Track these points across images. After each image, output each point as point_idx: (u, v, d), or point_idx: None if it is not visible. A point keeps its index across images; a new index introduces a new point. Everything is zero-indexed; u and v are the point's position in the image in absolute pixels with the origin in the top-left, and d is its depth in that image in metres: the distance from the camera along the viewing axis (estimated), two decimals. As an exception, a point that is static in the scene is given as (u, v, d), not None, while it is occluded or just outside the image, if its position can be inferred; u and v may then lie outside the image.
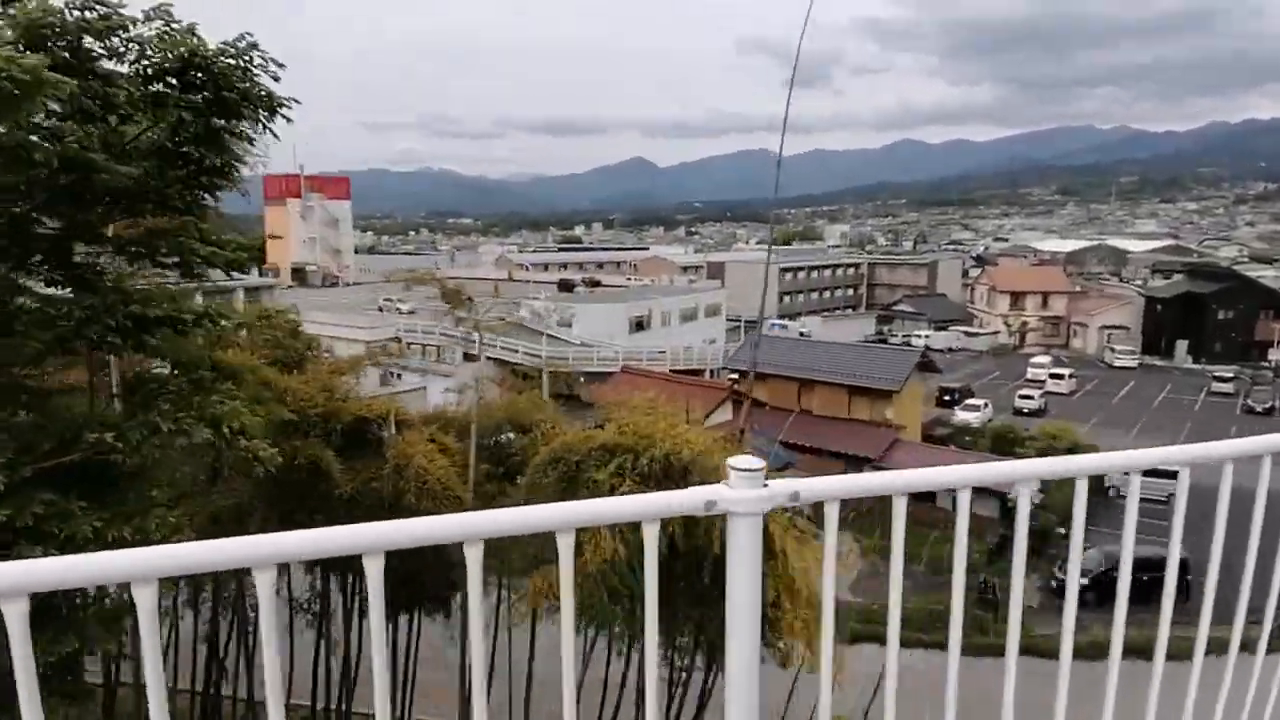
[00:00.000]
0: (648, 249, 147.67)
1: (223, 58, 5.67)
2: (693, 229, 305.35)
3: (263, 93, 6.13)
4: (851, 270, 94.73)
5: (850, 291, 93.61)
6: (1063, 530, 28.09)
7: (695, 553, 7.30)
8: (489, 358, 44.68)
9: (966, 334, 70.83)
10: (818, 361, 34.82)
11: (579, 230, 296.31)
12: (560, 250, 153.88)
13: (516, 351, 44.14)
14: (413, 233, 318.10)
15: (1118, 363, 60.20)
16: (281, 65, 6.35)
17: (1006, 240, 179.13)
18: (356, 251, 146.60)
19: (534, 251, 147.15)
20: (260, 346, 13.02)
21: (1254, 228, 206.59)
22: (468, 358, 44.67)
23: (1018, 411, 45.88)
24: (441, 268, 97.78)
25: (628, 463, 7.80)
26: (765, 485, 1.56)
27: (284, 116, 6.49)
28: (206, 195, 6.45)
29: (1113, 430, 42.29)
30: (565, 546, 1.45)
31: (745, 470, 1.54)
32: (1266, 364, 56.92)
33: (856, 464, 31.12)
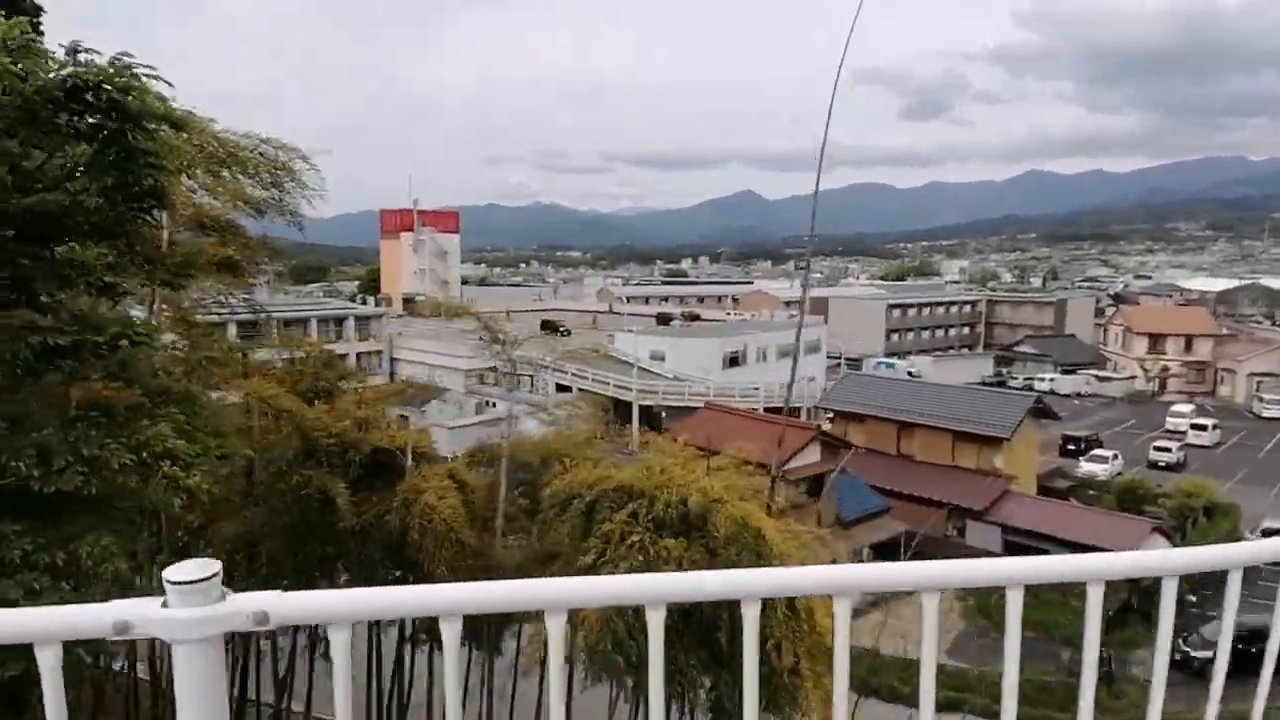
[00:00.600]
0: (752, 283, 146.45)
1: (106, 80, 5.66)
2: (802, 263, 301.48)
3: (159, 110, 6.12)
4: (968, 308, 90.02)
5: (967, 330, 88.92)
6: (1193, 598, 24.95)
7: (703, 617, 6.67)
8: (581, 389, 45.17)
9: (1098, 378, 65.55)
10: (920, 404, 32.94)
11: (685, 264, 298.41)
12: (663, 283, 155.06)
13: (608, 384, 44.30)
14: (523, 265, 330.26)
15: (1267, 413, 53.93)
16: (170, 84, 6.38)
17: (1149, 278, 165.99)
18: (468, 283, 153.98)
19: (636, 284, 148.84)
20: (293, 377, 13.32)
21: None
22: (560, 389, 45.28)
23: (1153, 465, 41.85)
24: (544, 299, 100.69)
25: (642, 508, 7.29)
26: (223, 598, 1.22)
27: (178, 127, 6.49)
28: (138, 216, 6.55)
29: (1257, 487, 37.73)
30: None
31: (184, 583, 1.19)
32: None
33: (961, 514, 29.10)
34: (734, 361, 52.03)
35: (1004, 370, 73.43)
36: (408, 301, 74.72)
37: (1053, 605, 23.31)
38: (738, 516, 7.28)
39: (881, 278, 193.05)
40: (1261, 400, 56.02)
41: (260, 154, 11.21)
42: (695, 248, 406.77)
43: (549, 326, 62.32)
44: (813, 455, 25.22)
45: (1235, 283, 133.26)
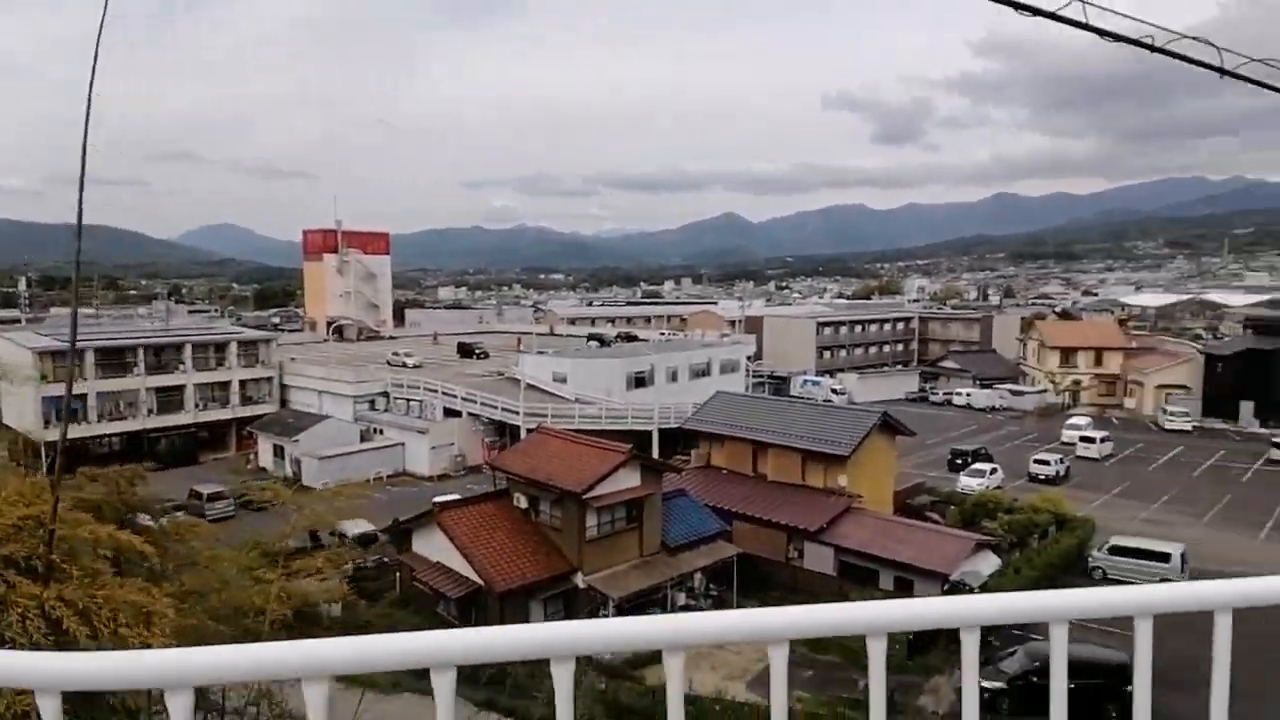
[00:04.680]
0: (716, 303, 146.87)
1: None
2: (783, 283, 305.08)
3: None
4: (901, 325, 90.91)
5: (900, 347, 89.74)
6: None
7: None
8: (470, 413, 45.01)
9: (1011, 392, 66.28)
10: (773, 422, 33.04)
11: (668, 285, 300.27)
12: (628, 304, 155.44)
13: (496, 408, 44.19)
14: (505, 288, 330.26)
15: (1170, 425, 54.65)
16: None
17: (1096, 295, 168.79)
18: (435, 307, 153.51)
19: (599, 305, 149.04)
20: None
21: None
22: (449, 413, 45.09)
23: (1032, 478, 42.16)
24: (488, 322, 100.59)
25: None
26: None
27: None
28: None
29: (1130, 502, 38.06)
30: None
31: None
32: (1351, 430, 50.18)
33: (798, 536, 29.06)
34: (640, 382, 52.07)
35: (927, 385, 74.14)
36: (333, 326, 74.33)
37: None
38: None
39: (851, 296, 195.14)
40: (1165, 413, 56.83)
41: None
42: (678, 269, 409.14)
43: (466, 350, 62.18)
44: (630, 479, 25.14)
45: (1176, 298, 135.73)
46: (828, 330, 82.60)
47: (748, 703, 21.96)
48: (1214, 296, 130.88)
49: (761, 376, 71.90)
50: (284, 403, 50.65)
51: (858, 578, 27.15)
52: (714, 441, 34.52)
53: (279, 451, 44.50)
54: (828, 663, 23.19)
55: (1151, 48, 3.29)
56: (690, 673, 24.48)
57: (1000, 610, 1.50)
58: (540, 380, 49.12)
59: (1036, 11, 3.01)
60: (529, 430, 42.90)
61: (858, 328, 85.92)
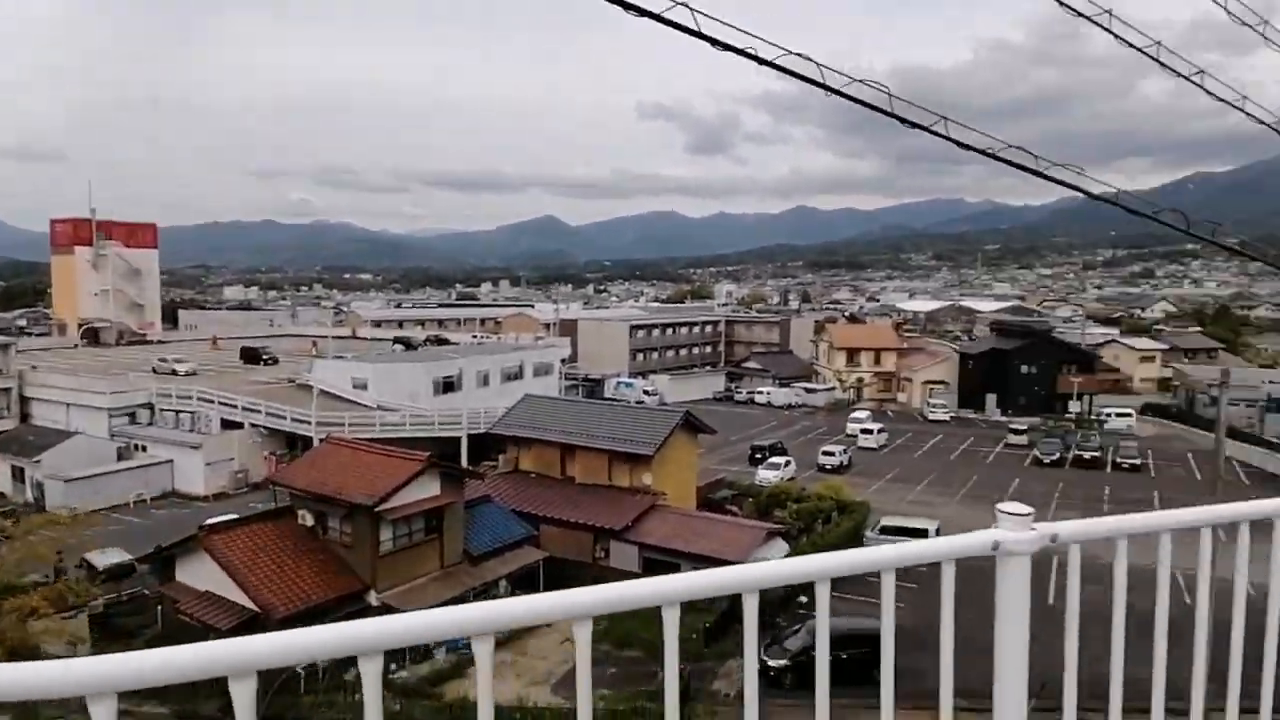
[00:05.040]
0: (533, 306, 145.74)
1: None
2: (602, 287, 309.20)
3: None
4: (710, 328, 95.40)
5: (710, 349, 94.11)
6: (804, 599, 26.61)
7: None
8: (253, 425, 41.18)
9: (806, 390, 71.62)
10: (580, 425, 33.18)
11: (485, 288, 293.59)
12: (439, 306, 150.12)
13: (284, 418, 40.74)
14: (304, 288, 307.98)
15: (932, 416, 61.83)
16: None
17: (878, 301, 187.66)
18: (216, 308, 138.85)
19: (410, 307, 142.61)
20: None
21: (1100, 289, 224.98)
22: (228, 425, 40.95)
23: (821, 468, 45.63)
24: (280, 324, 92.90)
25: None
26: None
27: None
28: None
29: (900, 485, 42.41)
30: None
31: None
32: (1068, 415, 59.41)
33: (604, 536, 29.35)
34: (449, 387, 50.33)
35: (733, 385, 78.38)
36: (85, 329, 64.89)
37: (655, 620, 23.88)
38: None
39: (666, 300, 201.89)
40: (929, 405, 64.12)
41: None
42: (496, 271, 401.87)
43: (251, 355, 56.89)
44: (429, 488, 24.07)
45: (940, 304, 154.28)
46: (641, 333, 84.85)
47: (550, 706, 21.84)
48: (969, 303, 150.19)
49: (576, 379, 72.34)
50: (25, 417, 43.42)
51: (661, 572, 27.69)
52: (522, 445, 34.07)
53: (18, 474, 38.34)
54: (629, 659, 23.58)
55: (759, 60, 3.43)
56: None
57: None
58: (337, 387, 46.00)
59: (643, 12, 3.01)
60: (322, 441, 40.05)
61: (669, 331, 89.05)
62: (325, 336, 64.85)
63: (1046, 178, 4.48)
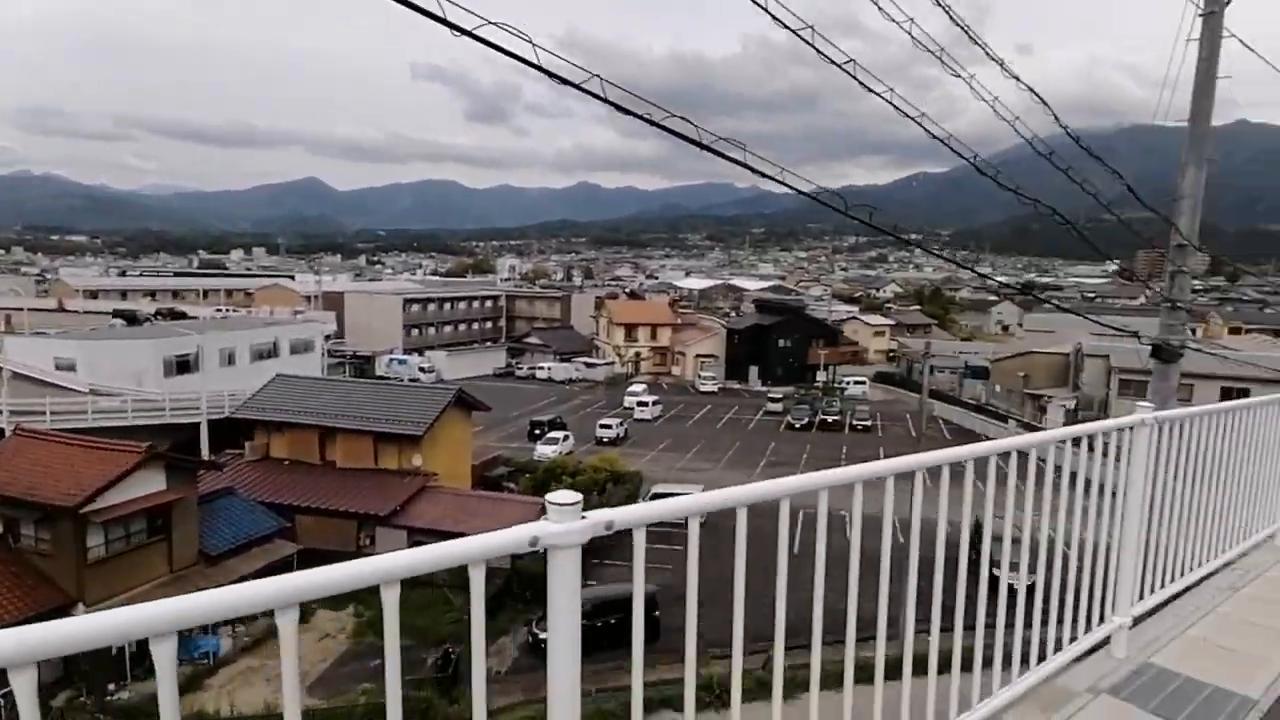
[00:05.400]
0: (293, 277, 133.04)
1: None
2: (375, 258, 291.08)
3: None
4: (490, 303, 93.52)
5: (490, 324, 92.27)
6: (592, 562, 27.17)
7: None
8: (-85, 413, 33.47)
9: (587, 365, 72.81)
10: (341, 406, 30.85)
11: (235, 255, 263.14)
12: (175, 275, 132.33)
13: (-41, 404, 33.54)
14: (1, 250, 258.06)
15: (703, 388, 65.88)
16: None
17: (657, 278, 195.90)
18: None
19: (119, 275, 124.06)
20: None
21: (846, 271, 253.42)
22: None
23: (599, 441, 46.62)
24: (-39, 294, 76.62)
25: None
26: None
27: None
28: None
29: (672, 454, 44.62)
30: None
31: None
32: (816, 384, 66.14)
33: (370, 522, 27.62)
34: (184, 367, 44.47)
35: (514, 361, 77.71)
36: None
37: (430, 608, 23.03)
38: None
39: (446, 273, 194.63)
40: (700, 377, 68.11)
41: None
42: (249, 237, 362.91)
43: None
44: (151, 483, 20.98)
45: (713, 282, 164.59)
46: (415, 308, 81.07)
47: (307, 709, 20.23)
48: (738, 282, 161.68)
49: (344, 356, 67.55)
50: None
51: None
52: (273, 430, 31.02)
53: None
54: (400, 647, 22.52)
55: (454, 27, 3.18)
56: (240, 690, 21.67)
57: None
58: (37, 369, 38.84)
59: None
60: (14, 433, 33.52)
61: (447, 305, 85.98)
62: (21, 309, 54.42)
63: (704, 147, 4.52)
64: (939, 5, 5.81)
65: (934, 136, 6.10)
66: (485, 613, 1.70)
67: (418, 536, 27.51)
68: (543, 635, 22.04)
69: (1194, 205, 8.59)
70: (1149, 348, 8.78)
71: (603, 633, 18.70)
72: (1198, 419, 4.04)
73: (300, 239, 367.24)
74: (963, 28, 6.28)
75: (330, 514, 27.73)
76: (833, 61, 5.19)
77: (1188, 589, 4.25)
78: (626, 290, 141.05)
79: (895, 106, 5.62)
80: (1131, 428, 3.55)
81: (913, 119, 5.77)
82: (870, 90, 5.45)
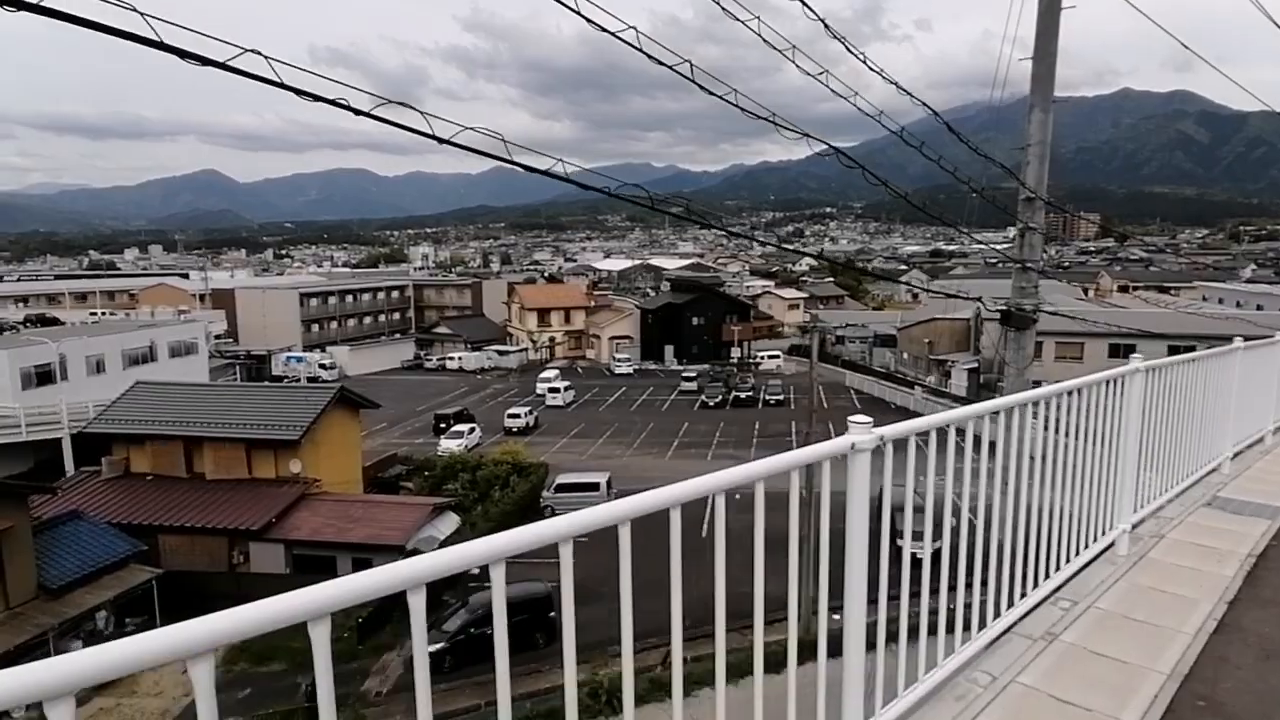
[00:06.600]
0: (186, 275, 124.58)
1: None
2: (283, 251, 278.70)
3: None
4: (396, 293, 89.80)
5: (397, 315, 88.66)
6: (476, 570, 25.62)
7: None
8: None
9: (499, 353, 70.69)
10: (209, 412, 28.29)
11: (130, 254, 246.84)
12: (56, 278, 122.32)
13: None
14: None
15: (618, 370, 64.79)
16: None
17: (576, 261, 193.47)
18: None
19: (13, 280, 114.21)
20: None
21: (764, 248, 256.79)
22: None
23: (508, 431, 44.95)
24: None
25: None
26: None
27: None
28: None
29: (583, 441, 43.33)
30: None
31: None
32: (731, 360, 65.94)
33: (242, 538, 25.36)
34: (45, 378, 40.48)
35: (423, 352, 74.81)
36: None
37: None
38: None
39: (358, 265, 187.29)
40: (615, 359, 66.94)
41: None
42: (145, 235, 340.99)
43: None
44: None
45: (632, 263, 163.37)
46: (315, 302, 76.99)
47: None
48: (657, 261, 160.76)
49: (235, 357, 63.43)
50: None
51: (315, 569, 24.86)
52: (133, 443, 28.19)
53: None
54: (269, 674, 20.65)
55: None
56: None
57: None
58: None
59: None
60: None
61: (349, 298, 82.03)
62: None
63: (375, 117, 4.07)
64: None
65: (865, 114, 6.55)
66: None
67: (298, 550, 25.48)
68: (430, 646, 20.90)
69: (1042, 152, 7.75)
70: (997, 315, 7.94)
71: (482, 642, 17.43)
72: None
73: (201, 234, 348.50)
74: (825, 25, 6.35)
75: (198, 531, 25.35)
76: (774, 48, 5.55)
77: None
78: (545, 274, 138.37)
79: (832, 89, 6.17)
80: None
81: (846, 99, 6.38)
82: (808, 74, 5.90)
